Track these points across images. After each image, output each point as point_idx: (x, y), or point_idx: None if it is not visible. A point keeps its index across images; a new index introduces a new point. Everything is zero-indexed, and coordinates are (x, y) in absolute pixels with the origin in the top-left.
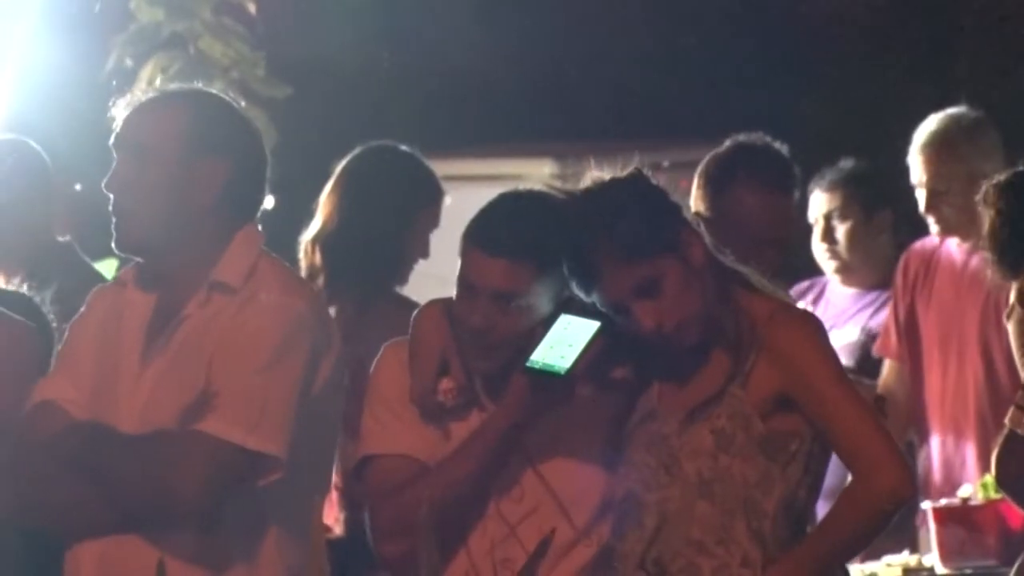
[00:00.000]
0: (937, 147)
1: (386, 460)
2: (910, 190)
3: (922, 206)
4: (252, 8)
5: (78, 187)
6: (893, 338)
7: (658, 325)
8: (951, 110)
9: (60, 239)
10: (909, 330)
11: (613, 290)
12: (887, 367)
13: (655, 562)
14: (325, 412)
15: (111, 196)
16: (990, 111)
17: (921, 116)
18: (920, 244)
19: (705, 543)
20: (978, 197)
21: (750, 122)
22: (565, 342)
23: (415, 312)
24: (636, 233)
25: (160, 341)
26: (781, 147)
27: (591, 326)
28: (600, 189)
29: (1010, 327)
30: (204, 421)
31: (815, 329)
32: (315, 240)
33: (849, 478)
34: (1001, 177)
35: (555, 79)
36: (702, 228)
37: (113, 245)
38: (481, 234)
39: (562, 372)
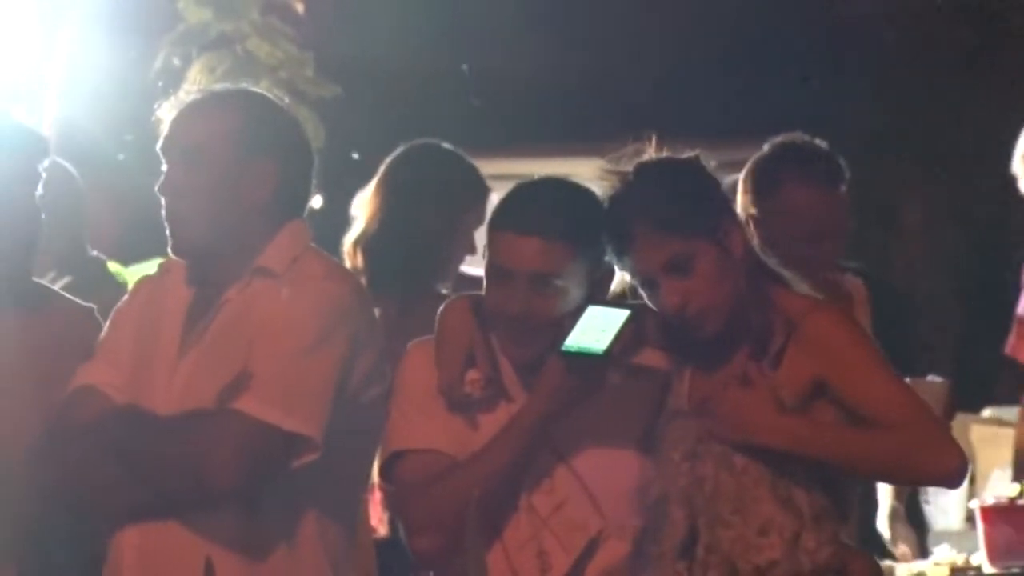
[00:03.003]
0: None
1: (416, 455)
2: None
3: None
4: (299, 8)
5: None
6: None
7: (683, 305)
8: None
9: (92, 253)
10: None
11: (645, 260)
12: None
13: (705, 548)
14: (366, 402)
15: (163, 200)
16: None
17: (967, 115)
18: None
19: (721, 514)
20: None
21: (797, 122)
22: (597, 328)
23: (441, 307)
24: (678, 207)
25: (200, 326)
26: (821, 143)
27: (621, 314)
28: (654, 162)
29: None
30: (240, 400)
31: (851, 320)
32: (357, 242)
33: None
34: None
35: (603, 78)
36: (750, 227)
37: (169, 250)
38: (512, 216)
39: (600, 352)
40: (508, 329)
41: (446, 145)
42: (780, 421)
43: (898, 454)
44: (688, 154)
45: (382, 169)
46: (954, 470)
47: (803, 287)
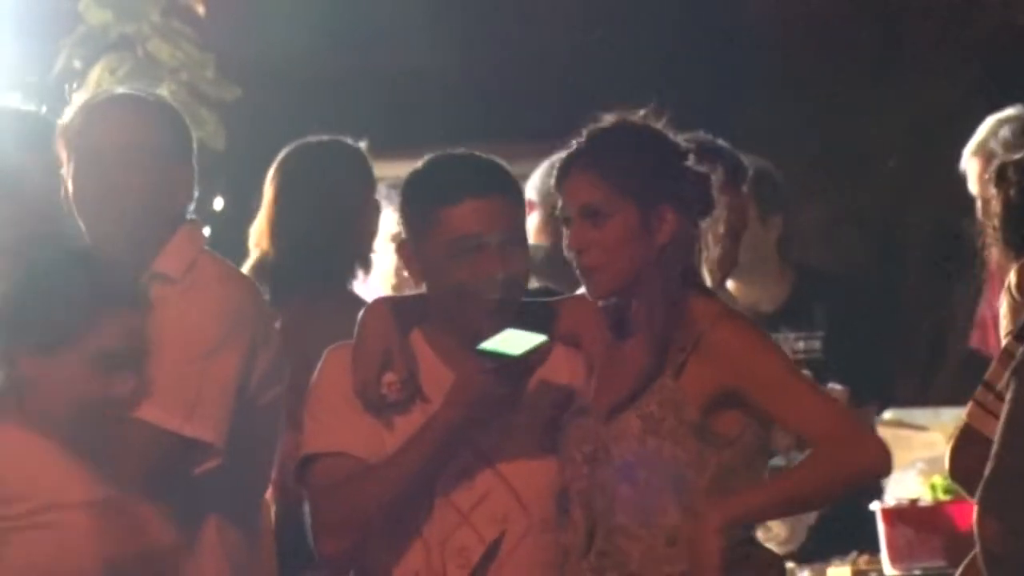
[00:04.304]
0: None
1: (327, 459)
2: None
3: None
4: (200, 10)
5: None
6: None
7: (580, 251)
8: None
9: None
10: None
11: (570, 196)
12: None
13: (598, 553)
14: (264, 404)
15: (88, 194)
16: (941, 113)
17: (867, 116)
18: None
19: (629, 527)
20: (987, 175)
21: (698, 122)
22: (513, 341)
23: (362, 309)
24: (620, 160)
25: None
26: (723, 143)
27: (538, 337)
28: (633, 121)
29: (1001, 311)
30: (141, 408)
31: (758, 330)
32: (253, 269)
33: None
34: (1017, 157)
35: (506, 81)
36: (700, 236)
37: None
38: (463, 184)
39: (516, 354)
40: (481, 304)
41: (326, 137)
42: (730, 519)
43: (833, 475)
44: (682, 135)
45: (271, 177)
46: (880, 463)
47: (716, 293)
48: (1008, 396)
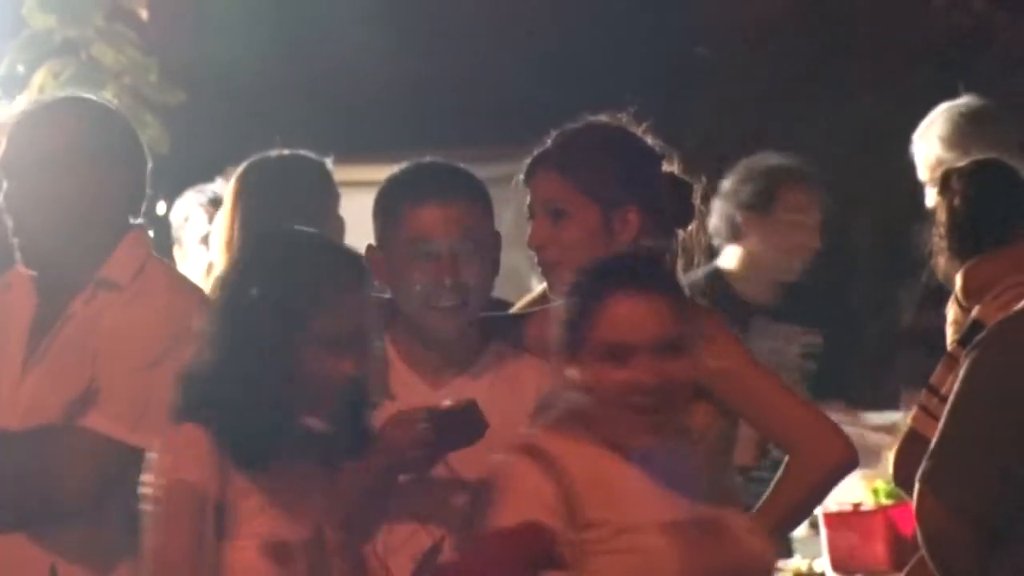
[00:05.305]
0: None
1: None
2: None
3: None
4: (144, 14)
5: None
6: None
7: (540, 248)
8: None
9: None
10: None
11: (535, 191)
12: None
13: None
14: None
15: (10, 215)
16: (886, 117)
17: (816, 119)
18: None
19: None
20: (931, 183)
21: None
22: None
23: None
24: (584, 158)
25: (45, 340)
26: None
27: (477, 431)
28: (608, 124)
29: (948, 318)
30: (88, 417)
31: (725, 328)
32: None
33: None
34: (960, 165)
35: (450, 86)
36: (676, 245)
37: (21, 261)
38: (427, 186)
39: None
40: (433, 309)
41: (287, 152)
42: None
43: (812, 485)
44: (656, 144)
45: (231, 189)
46: (851, 458)
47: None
48: (961, 374)
